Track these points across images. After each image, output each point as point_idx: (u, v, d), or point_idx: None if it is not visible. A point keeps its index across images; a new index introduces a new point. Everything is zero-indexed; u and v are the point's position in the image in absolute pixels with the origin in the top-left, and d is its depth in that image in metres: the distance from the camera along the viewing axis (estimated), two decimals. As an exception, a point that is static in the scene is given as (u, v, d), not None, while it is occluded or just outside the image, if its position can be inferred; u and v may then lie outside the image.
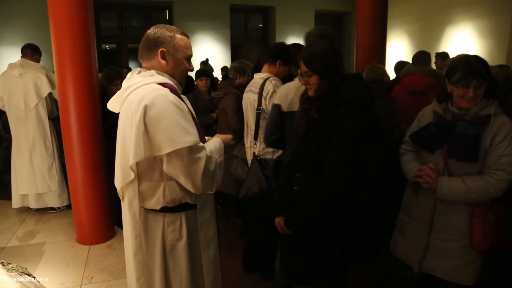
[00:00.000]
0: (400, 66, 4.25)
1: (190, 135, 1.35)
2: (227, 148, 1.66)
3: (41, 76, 3.70)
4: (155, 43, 1.46)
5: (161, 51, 1.45)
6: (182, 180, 1.39)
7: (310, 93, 1.67)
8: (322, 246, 1.67)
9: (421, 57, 3.24)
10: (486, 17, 6.41)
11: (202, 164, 1.37)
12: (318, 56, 1.61)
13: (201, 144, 1.40)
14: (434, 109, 1.84)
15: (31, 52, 3.83)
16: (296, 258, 1.76)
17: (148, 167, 1.43)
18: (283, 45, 2.60)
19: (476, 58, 1.71)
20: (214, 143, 1.56)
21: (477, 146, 1.66)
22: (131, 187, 1.46)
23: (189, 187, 1.40)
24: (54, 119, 3.83)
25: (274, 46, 2.67)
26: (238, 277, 2.70)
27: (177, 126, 1.33)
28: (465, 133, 1.69)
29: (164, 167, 1.39)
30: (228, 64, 8.14)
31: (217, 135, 1.70)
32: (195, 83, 3.98)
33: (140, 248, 1.50)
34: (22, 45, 3.89)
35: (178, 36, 1.49)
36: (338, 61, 1.64)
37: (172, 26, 1.52)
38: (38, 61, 3.89)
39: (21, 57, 3.83)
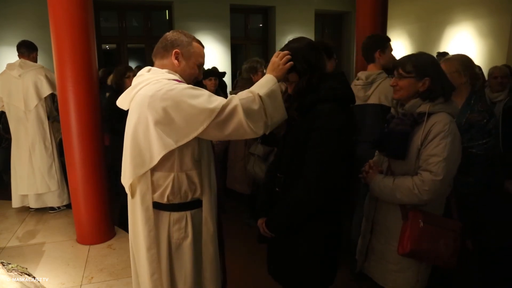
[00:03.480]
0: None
1: (215, 101, 1.39)
2: (281, 74, 1.54)
3: (41, 77, 3.70)
4: (171, 44, 1.53)
5: (175, 51, 1.53)
6: (237, 136, 1.45)
7: (290, 90, 1.62)
8: (303, 249, 1.60)
9: None
10: (486, 17, 6.40)
11: (240, 114, 1.39)
12: (296, 53, 1.54)
13: (225, 99, 1.42)
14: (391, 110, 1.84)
15: (27, 51, 3.80)
16: (280, 261, 1.72)
17: (163, 158, 1.44)
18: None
19: (424, 54, 1.69)
20: (257, 83, 1.53)
21: (404, 142, 1.61)
22: (144, 180, 1.48)
23: (245, 137, 1.48)
24: (55, 119, 3.83)
25: None
26: (245, 281, 2.70)
27: (200, 99, 1.38)
28: (395, 129, 1.65)
29: (212, 139, 1.46)
30: (228, 64, 8.16)
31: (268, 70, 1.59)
32: (203, 82, 3.99)
33: (154, 243, 1.51)
34: (22, 45, 3.87)
35: (195, 43, 1.57)
36: (318, 58, 1.56)
37: (191, 34, 1.60)
38: (35, 59, 3.88)
39: (18, 56, 3.80)
